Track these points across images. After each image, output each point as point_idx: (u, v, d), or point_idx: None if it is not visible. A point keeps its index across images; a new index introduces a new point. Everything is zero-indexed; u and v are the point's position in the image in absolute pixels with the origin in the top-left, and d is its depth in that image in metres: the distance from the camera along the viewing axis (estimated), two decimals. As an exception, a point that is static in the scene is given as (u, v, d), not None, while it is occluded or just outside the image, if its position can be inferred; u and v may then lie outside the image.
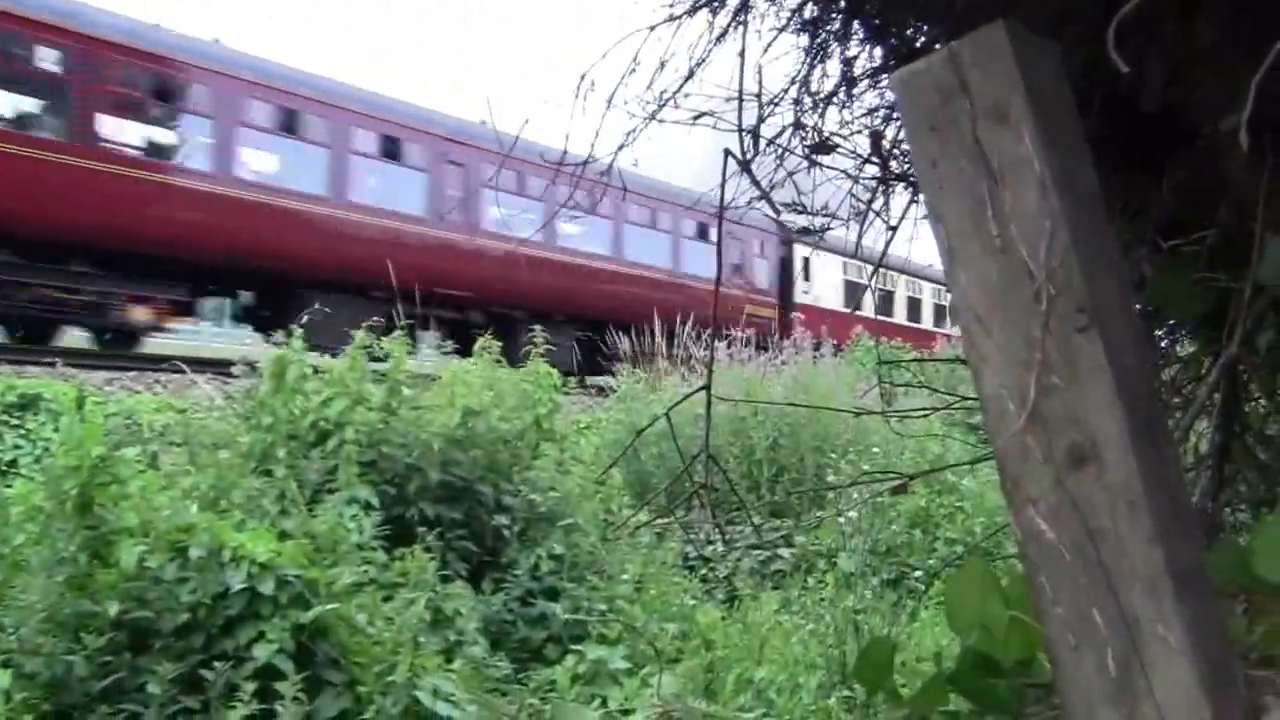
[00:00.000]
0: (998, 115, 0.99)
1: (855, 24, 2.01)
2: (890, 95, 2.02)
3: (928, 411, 2.71)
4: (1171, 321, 2.18)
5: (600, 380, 14.62)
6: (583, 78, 1.86)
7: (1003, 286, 0.99)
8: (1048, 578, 1.00)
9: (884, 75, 1.98)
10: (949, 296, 1.01)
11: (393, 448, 5.80)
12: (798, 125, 2.11)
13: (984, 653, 1.16)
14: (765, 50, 2.06)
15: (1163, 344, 2.30)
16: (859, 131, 2.21)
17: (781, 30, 2.07)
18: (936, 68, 1.01)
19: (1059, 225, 0.97)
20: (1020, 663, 1.16)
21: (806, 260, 21.70)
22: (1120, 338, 0.96)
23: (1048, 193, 0.98)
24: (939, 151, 1.01)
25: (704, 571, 7.10)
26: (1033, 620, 1.04)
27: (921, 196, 1.03)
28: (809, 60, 2.06)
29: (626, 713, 4.39)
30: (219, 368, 8.60)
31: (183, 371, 8.23)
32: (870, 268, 2.82)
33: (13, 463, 7.59)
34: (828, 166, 2.22)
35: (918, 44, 1.88)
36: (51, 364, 9.66)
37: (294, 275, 14.41)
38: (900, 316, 27.07)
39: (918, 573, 6.82)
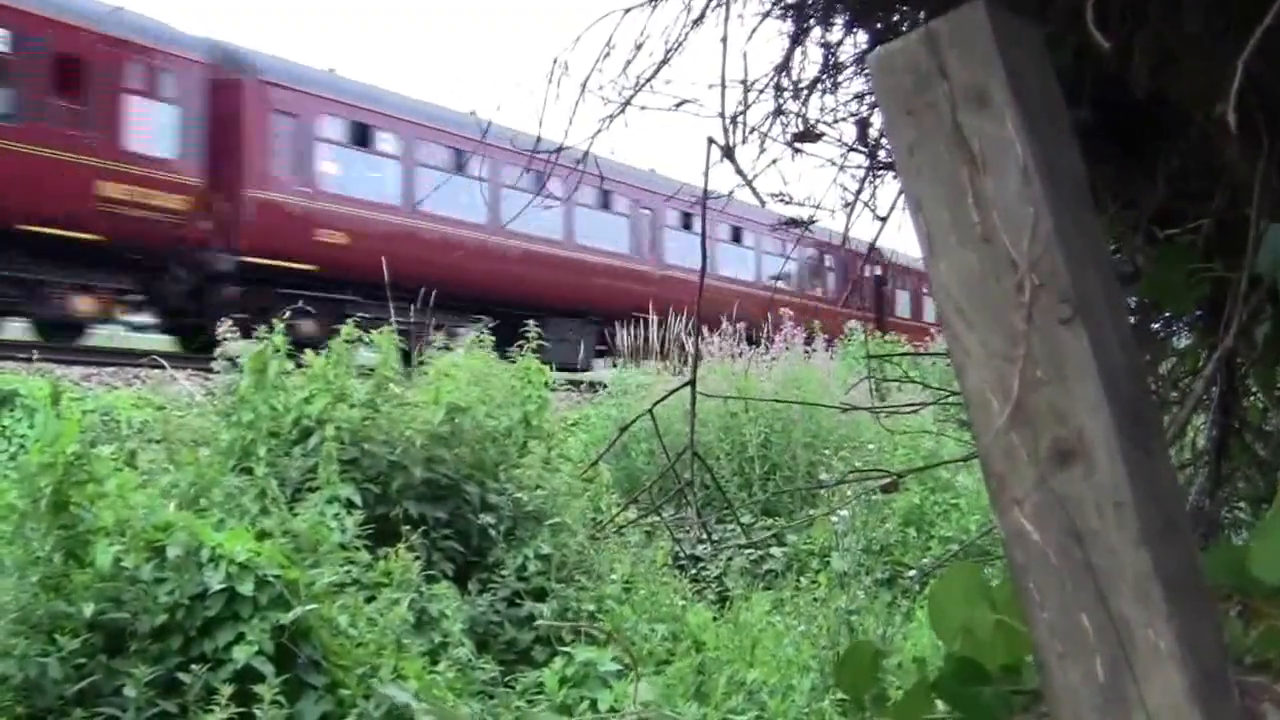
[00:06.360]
0: (978, 98, 0.95)
1: (839, 7, 1.96)
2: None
3: (916, 407, 2.66)
4: (1168, 314, 2.14)
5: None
6: (555, 61, 1.81)
7: (984, 277, 0.94)
8: (1034, 582, 0.96)
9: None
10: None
11: (375, 445, 5.74)
12: (782, 112, 2.06)
13: (969, 659, 1.12)
14: (750, 37, 2.01)
15: (1160, 337, 2.25)
16: (845, 119, 2.16)
17: (765, 15, 2.03)
18: (913, 48, 0.96)
19: (1042, 213, 0.93)
20: (1007, 669, 1.12)
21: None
22: (1107, 330, 0.92)
23: (1031, 179, 0.93)
24: (916, 136, 0.97)
25: (694, 571, 7.05)
26: (1020, 625, 1.00)
27: (900, 183, 0.99)
28: (792, 45, 2.01)
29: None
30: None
31: (162, 367, 8.14)
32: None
33: (-13, 460, 7.45)
34: (814, 154, 2.17)
35: (904, 28, 1.83)
36: (27, 359, 9.51)
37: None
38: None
39: (912, 572, 6.76)
